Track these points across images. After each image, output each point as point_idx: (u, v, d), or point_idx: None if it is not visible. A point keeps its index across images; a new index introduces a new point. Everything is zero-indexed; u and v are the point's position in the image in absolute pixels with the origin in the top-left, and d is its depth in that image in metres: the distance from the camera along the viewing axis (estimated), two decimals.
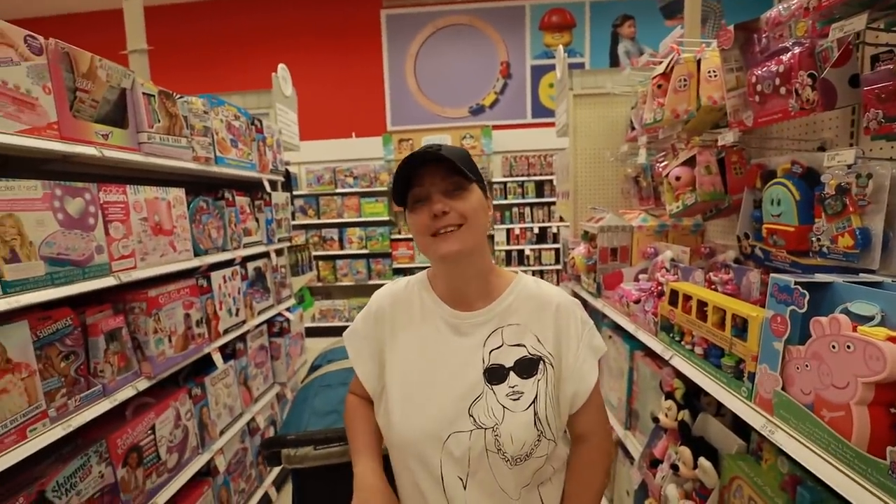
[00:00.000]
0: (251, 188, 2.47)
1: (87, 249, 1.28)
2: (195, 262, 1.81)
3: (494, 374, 0.86)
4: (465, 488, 0.84)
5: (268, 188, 2.56)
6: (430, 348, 0.90)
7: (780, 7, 1.18)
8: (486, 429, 0.83)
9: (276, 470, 2.56)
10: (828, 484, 0.74)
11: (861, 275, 0.90)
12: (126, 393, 1.41)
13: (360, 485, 0.87)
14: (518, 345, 0.88)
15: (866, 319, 0.76)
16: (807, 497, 0.86)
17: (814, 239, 1.02)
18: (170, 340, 1.62)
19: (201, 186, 2.08)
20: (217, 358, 1.95)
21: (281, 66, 3.22)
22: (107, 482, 1.33)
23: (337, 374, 1.54)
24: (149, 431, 1.52)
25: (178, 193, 1.71)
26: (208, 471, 1.92)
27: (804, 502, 0.86)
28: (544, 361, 0.87)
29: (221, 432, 1.97)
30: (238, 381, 2.14)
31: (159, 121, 1.60)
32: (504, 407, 0.84)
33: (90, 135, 1.32)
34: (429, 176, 0.84)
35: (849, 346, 0.72)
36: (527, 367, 0.86)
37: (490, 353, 0.87)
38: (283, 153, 2.90)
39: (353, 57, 6.25)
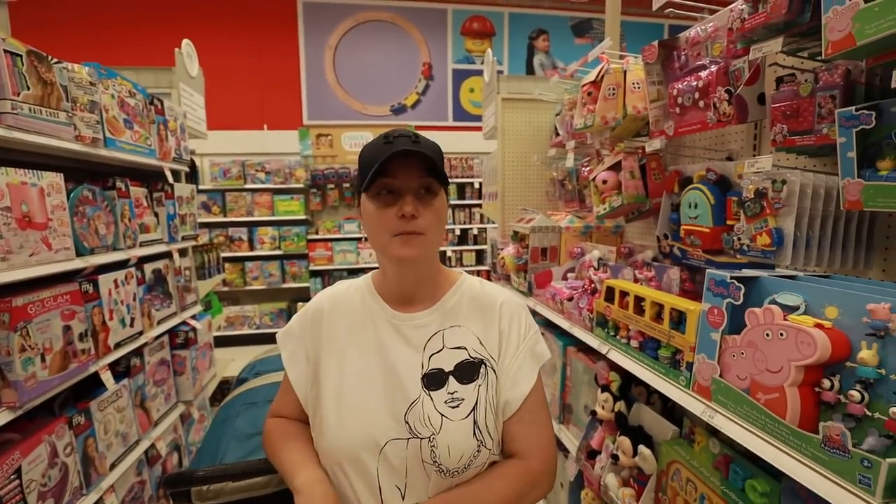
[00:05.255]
0: (149, 178, 2.13)
1: None
2: (78, 264, 1.50)
3: (433, 380, 0.81)
4: (403, 498, 0.79)
5: (170, 178, 2.24)
6: (370, 351, 0.84)
7: (699, 28, 1.31)
8: (422, 439, 0.78)
9: None
10: (762, 459, 0.81)
11: (777, 269, 1.01)
12: None
13: (310, 494, 0.75)
14: (459, 347, 0.84)
15: (792, 309, 0.84)
16: (740, 473, 0.94)
17: (734, 238, 1.13)
18: (43, 360, 1.32)
19: (86, 173, 1.74)
20: (107, 377, 1.64)
21: (186, 42, 2.85)
22: None
23: (265, 390, 1.38)
24: (12, 476, 1.22)
25: (54, 179, 1.41)
26: None
27: (737, 478, 0.94)
28: (486, 365, 0.84)
29: (112, 466, 1.66)
30: (133, 403, 1.83)
31: (28, 88, 1.30)
32: (442, 415, 0.79)
33: None
34: (404, 170, 0.77)
35: (782, 334, 0.79)
36: (467, 371, 0.83)
37: (430, 357, 0.83)
38: (188, 140, 2.56)
39: (266, 43, 5.79)
